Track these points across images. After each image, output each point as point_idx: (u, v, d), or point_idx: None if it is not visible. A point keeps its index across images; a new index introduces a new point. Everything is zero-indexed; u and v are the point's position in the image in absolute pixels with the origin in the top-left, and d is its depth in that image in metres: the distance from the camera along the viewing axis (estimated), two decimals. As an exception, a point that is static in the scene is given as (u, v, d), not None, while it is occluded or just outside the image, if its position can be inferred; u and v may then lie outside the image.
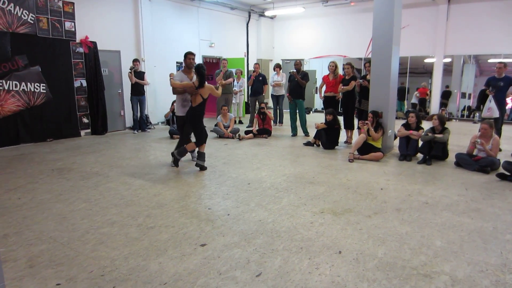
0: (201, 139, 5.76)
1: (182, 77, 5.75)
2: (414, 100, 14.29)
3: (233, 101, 11.34)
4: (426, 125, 6.96)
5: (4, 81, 7.44)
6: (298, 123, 9.17)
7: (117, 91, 9.91)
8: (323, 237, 3.37)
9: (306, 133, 9.02)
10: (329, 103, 8.28)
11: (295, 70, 8.74)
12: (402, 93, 13.62)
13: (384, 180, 5.27)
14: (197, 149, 5.87)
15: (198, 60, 11.56)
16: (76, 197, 4.52)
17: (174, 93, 5.93)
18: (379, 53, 6.82)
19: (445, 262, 2.93)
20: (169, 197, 4.53)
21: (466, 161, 5.90)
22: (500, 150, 6.70)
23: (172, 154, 5.87)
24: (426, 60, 13.79)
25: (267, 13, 14.80)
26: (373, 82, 6.96)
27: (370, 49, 7.39)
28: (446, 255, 3.05)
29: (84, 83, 9.01)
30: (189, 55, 5.80)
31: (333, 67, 8.17)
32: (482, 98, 7.45)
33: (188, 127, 5.91)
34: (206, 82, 5.65)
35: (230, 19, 13.80)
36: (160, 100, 10.84)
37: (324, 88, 8.55)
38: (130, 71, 9.25)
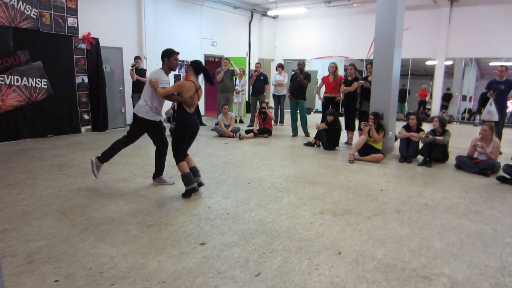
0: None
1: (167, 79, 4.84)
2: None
3: (234, 100, 11.35)
4: (426, 127, 6.95)
5: (5, 76, 7.43)
6: (298, 123, 9.16)
7: (119, 88, 9.90)
8: (322, 238, 3.36)
9: (307, 133, 9.02)
10: (329, 104, 8.28)
11: (298, 70, 8.73)
12: (403, 95, 13.63)
13: (384, 181, 5.26)
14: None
15: (200, 58, 11.55)
16: (76, 193, 4.51)
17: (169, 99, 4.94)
18: (381, 55, 6.81)
19: (444, 264, 2.92)
20: (169, 195, 4.53)
21: (467, 164, 5.90)
22: (501, 153, 6.70)
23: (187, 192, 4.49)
24: (428, 63, 13.80)
25: (269, 13, 14.78)
26: (375, 83, 6.95)
27: (372, 50, 7.39)
28: (446, 257, 3.05)
29: (86, 80, 9.00)
30: (175, 55, 4.78)
31: (334, 68, 8.18)
32: (483, 101, 7.48)
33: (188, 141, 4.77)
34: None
35: (232, 18, 13.79)
36: (161, 98, 10.78)
37: (323, 89, 8.55)
38: (131, 68, 9.24)
